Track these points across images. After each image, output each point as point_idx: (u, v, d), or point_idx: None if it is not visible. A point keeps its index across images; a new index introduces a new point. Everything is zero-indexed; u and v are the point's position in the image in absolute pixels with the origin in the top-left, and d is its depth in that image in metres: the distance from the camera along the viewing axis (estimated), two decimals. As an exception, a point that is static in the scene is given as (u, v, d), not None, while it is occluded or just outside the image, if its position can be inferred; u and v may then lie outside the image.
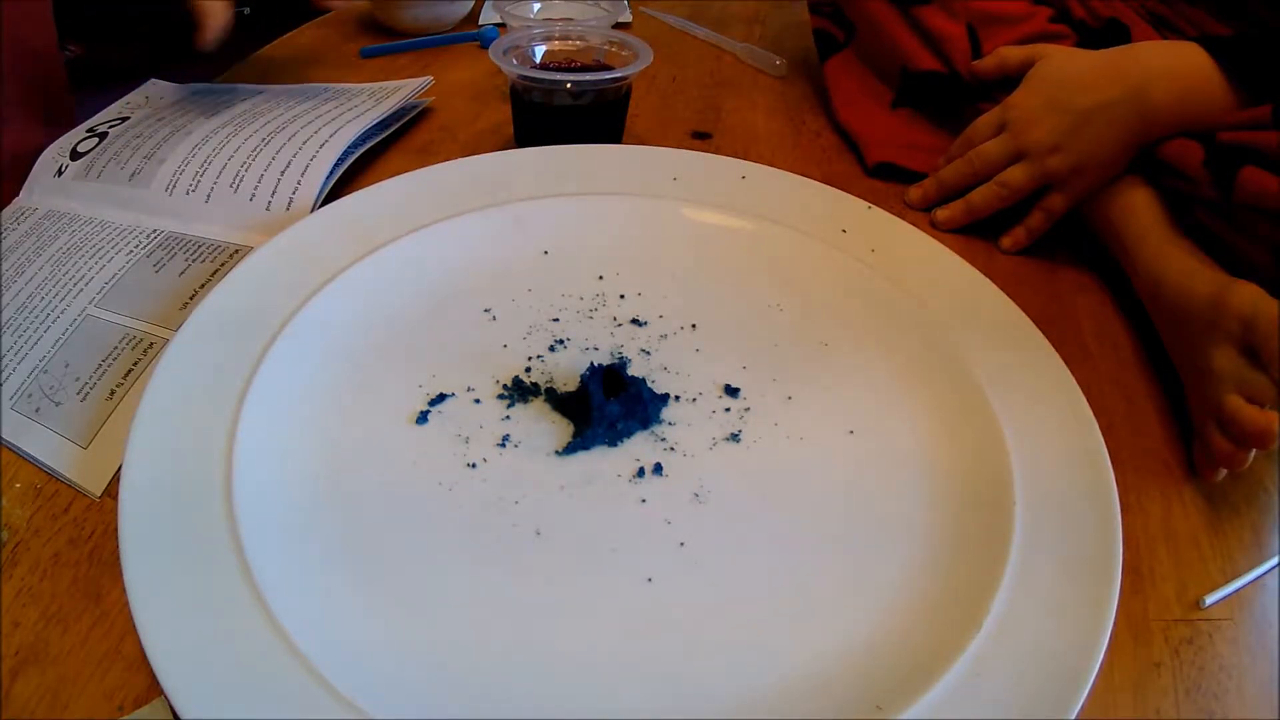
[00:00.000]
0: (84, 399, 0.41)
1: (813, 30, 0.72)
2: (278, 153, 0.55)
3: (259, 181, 0.54)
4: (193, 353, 0.40)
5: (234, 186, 0.53)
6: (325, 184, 0.54)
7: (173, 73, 0.68)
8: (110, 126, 0.59)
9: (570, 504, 0.37)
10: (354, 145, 0.58)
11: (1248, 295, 0.40)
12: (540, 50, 0.63)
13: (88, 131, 0.59)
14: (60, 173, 0.56)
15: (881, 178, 0.62)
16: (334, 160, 0.55)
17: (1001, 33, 0.60)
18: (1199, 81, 0.49)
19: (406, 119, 0.66)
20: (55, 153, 0.58)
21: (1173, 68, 0.50)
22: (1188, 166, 0.48)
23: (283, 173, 0.54)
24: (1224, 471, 0.40)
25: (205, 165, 0.54)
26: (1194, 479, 0.41)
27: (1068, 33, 0.60)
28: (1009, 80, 0.57)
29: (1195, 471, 0.41)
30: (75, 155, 0.57)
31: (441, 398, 0.41)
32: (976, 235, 0.57)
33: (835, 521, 0.37)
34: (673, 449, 0.39)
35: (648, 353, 0.44)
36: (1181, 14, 0.59)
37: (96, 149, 0.57)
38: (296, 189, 0.53)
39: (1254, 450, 0.39)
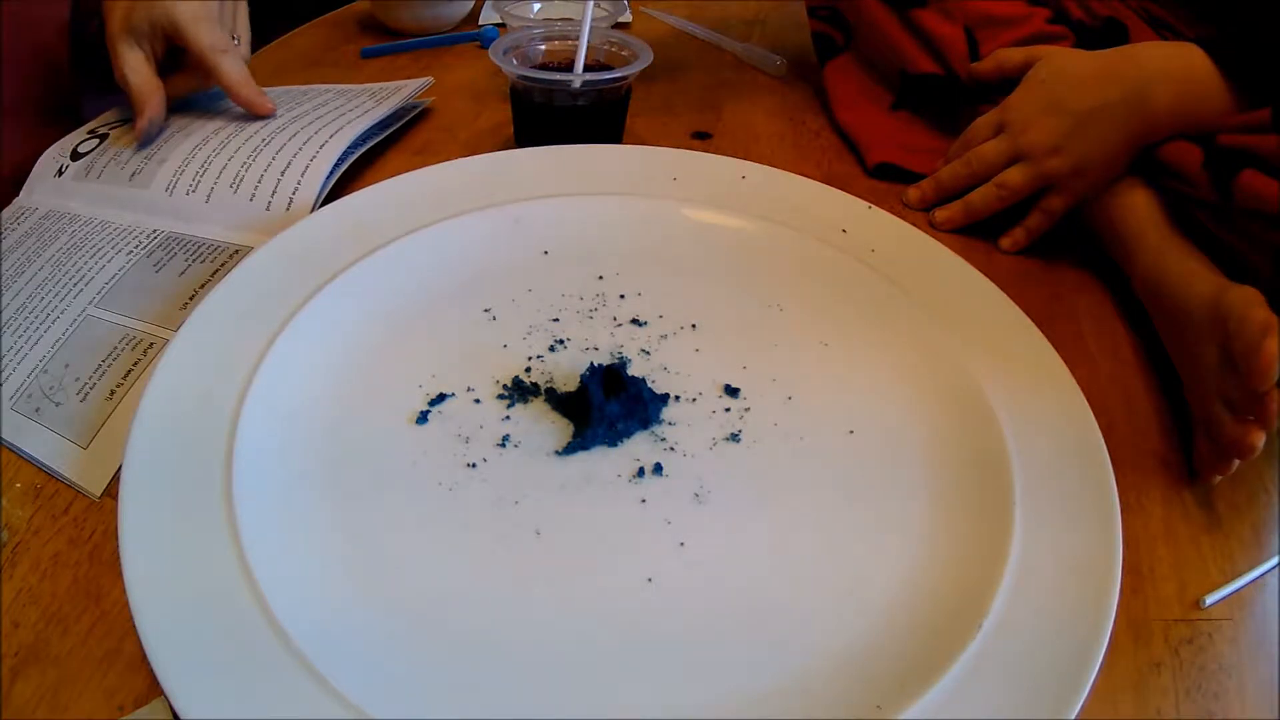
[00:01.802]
0: (84, 399, 0.41)
1: (811, 34, 0.72)
2: (278, 153, 0.55)
3: (259, 182, 0.54)
4: (193, 353, 0.40)
5: (234, 187, 0.53)
6: (325, 184, 0.54)
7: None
8: (111, 128, 0.59)
9: (570, 504, 0.37)
10: (354, 145, 0.58)
11: (1236, 298, 0.39)
12: (540, 50, 0.63)
13: (88, 133, 0.59)
14: (60, 173, 0.56)
15: (881, 178, 0.62)
16: (334, 160, 0.55)
17: (999, 34, 0.60)
18: (1199, 83, 0.49)
19: (406, 119, 0.66)
20: (56, 153, 0.58)
21: (1172, 69, 0.49)
22: (1187, 169, 0.47)
23: (283, 173, 0.54)
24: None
25: (205, 165, 0.54)
26: (1194, 479, 0.41)
27: (1066, 33, 0.60)
28: (1008, 82, 0.57)
29: (1195, 472, 0.41)
30: (75, 156, 0.57)
31: (441, 398, 0.41)
32: (976, 235, 0.57)
33: (835, 521, 0.37)
34: (673, 449, 0.39)
35: (648, 353, 0.44)
36: (1178, 15, 0.59)
37: (97, 149, 0.57)
38: (296, 189, 0.53)
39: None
